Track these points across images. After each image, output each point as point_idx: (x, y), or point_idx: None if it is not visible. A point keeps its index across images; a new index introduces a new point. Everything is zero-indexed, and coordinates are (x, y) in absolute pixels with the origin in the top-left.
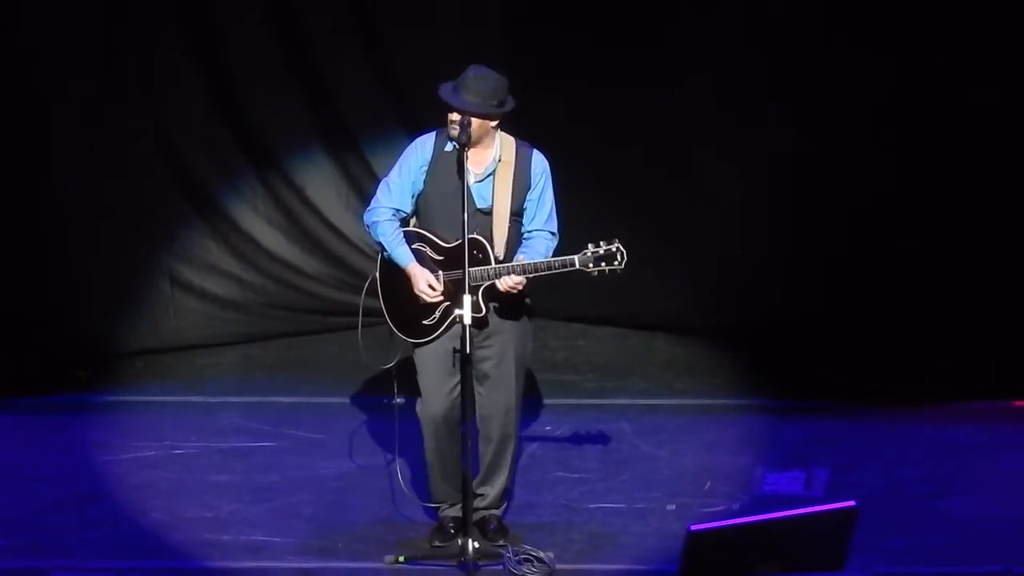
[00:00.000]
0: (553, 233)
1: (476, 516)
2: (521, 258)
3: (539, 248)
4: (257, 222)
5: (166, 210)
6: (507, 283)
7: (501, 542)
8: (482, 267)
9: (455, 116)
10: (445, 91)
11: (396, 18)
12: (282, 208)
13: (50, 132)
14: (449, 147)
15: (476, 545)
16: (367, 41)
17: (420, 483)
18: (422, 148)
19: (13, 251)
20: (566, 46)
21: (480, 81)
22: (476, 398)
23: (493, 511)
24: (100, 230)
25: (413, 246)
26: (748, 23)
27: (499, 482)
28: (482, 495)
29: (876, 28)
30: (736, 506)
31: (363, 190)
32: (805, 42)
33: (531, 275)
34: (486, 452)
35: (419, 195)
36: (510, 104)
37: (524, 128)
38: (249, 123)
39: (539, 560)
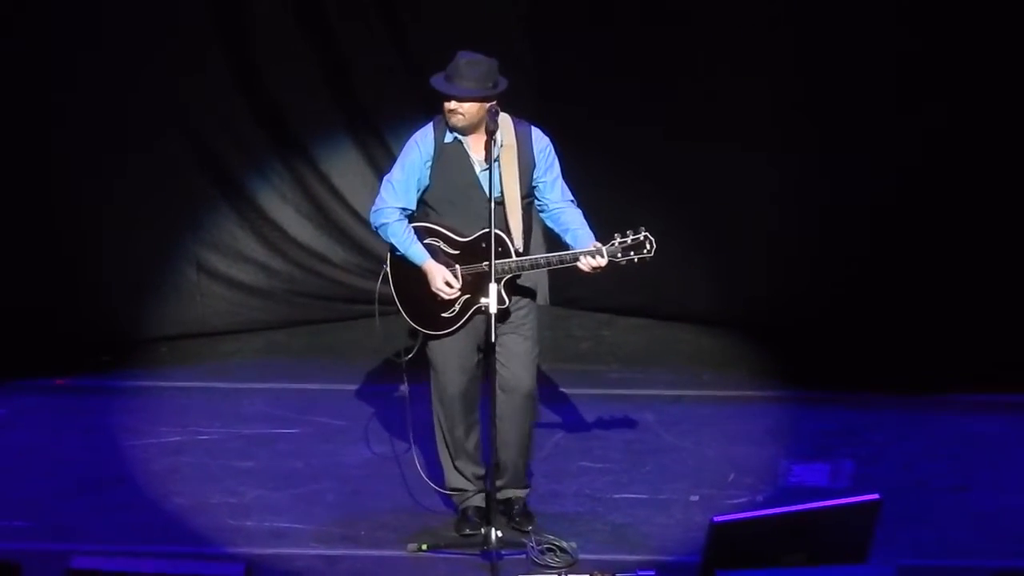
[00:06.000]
0: (573, 200)
1: (502, 496)
2: (587, 242)
3: (577, 219)
4: (284, 209)
5: (193, 197)
6: (591, 263)
7: (528, 527)
8: (503, 260)
9: (452, 105)
10: (438, 82)
11: (420, 6)
12: (308, 196)
13: (75, 118)
14: (449, 138)
15: (499, 534)
16: (391, 29)
17: (439, 470)
18: (423, 143)
19: (40, 236)
20: (591, 27)
21: (473, 67)
22: (498, 376)
23: (519, 493)
24: (127, 216)
25: (425, 241)
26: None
27: (522, 459)
28: (502, 472)
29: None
30: (760, 498)
31: None
32: (834, 25)
33: (556, 266)
34: (509, 430)
35: (425, 190)
36: (503, 84)
37: (545, 118)
38: (275, 110)
39: (562, 550)
